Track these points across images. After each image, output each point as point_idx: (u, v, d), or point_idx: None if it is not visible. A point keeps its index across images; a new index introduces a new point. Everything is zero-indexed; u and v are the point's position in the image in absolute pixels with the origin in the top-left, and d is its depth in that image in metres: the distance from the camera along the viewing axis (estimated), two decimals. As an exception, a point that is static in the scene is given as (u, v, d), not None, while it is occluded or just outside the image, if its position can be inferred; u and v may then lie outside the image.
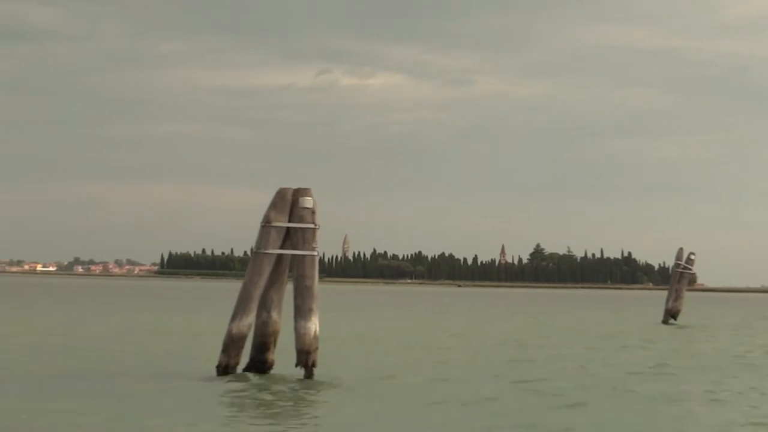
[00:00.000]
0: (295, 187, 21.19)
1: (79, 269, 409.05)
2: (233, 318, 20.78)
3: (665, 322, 51.03)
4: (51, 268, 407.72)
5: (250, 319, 20.75)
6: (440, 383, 21.15)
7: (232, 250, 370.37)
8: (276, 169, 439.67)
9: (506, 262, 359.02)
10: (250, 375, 20.96)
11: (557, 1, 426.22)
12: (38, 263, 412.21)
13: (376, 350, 29.97)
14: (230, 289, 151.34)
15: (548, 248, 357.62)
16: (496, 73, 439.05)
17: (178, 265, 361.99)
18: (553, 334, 40.60)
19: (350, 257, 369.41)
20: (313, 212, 21.01)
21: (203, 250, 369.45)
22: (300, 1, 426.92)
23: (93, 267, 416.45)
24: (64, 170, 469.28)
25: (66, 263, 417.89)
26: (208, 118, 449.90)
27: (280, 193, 21.07)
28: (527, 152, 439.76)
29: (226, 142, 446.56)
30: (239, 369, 21.00)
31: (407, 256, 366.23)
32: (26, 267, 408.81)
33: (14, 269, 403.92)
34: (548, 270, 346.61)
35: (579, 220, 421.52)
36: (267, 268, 20.85)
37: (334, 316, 48.90)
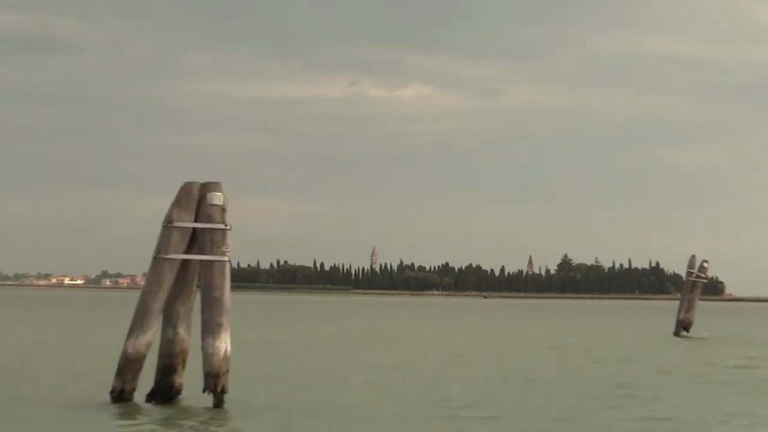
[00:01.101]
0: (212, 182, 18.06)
1: (107, 282, 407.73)
2: (129, 335, 17.74)
3: (677, 334, 47.63)
4: (78, 282, 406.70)
5: (148, 337, 17.69)
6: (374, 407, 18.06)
7: (258, 262, 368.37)
8: (305, 180, 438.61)
9: (533, 273, 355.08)
10: (151, 403, 17.93)
11: (584, 9, 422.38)
12: (66, 276, 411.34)
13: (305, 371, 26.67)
14: (249, 301, 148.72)
15: (576, 259, 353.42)
16: (525, 83, 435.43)
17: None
18: (547, 348, 37.35)
19: (377, 269, 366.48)
20: (223, 210, 17.89)
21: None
22: (329, 12, 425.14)
23: (121, 280, 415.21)
24: (91, 182, 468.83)
25: (93, 276, 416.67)
26: (236, 129, 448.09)
27: (185, 188, 17.98)
28: (555, 162, 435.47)
29: (254, 153, 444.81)
30: (139, 395, 17.96)
31: (434, 267, 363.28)
32: (54, 280, 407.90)
33: (41, 282, 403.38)
34: (576, 281, 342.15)
35: (607, 230, 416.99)
36: (168, 276, 17.77)
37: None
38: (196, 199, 17.85)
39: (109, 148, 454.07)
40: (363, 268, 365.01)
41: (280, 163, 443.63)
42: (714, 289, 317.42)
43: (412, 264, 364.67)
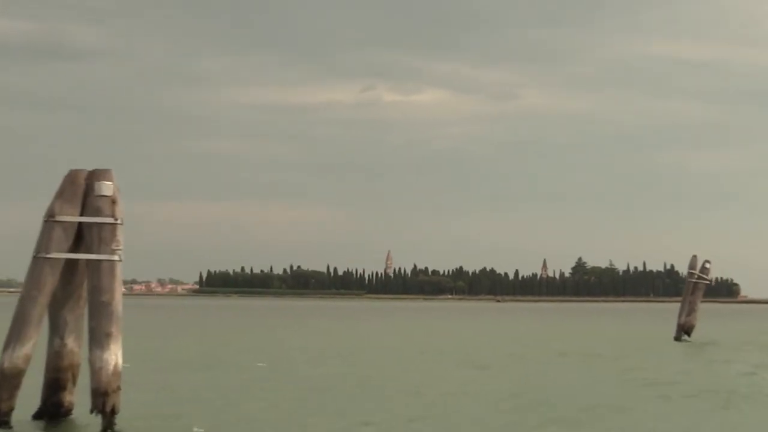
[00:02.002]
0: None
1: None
2: (5, 347, 15.31)
3: (677, 338, 45.00)
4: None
5: (27, 349, 15.26)
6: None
7: (271, 267, 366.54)
8: (318, 185, 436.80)
9: (548, 276, 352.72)
10: (36, 423, 15.56)
11: (600, 13, 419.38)
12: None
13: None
14: (255, 307, 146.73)
15: (590, 262, 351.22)
16: (540, 87, 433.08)
17: (216, 284, 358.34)
18: (536, 348, 34.85)
19: (391, 274, 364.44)
20: (113, 202, 15.45)
21: (242, 268, 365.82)
22: (343, 18, 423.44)
23: (136, 287, 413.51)
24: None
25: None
26: (250, 135, 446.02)
27: (69, 177, 15.55)
28: (569, 165, 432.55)
29: (268, 159, 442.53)
30: (23, 414, 15.57)
31: (448, 271, 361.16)
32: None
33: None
34: (590, 284, 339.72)
35: (621, 233, 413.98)
36: (50, 279, 15.36)
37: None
38: (82, 189, 15.45)
39: (121, 154, 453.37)
40: (376, 273, 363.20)
41: (294, 169, 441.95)
42: (729, 291, 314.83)
43: (426, 268, 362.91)
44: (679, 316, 45.59)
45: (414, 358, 32.93)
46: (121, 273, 15.50)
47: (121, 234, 15.46)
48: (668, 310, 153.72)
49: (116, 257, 15.36)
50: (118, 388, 15.19)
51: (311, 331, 57.58)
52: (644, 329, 64.64)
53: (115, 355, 15.13)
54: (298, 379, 24.40)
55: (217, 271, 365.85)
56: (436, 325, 73.68)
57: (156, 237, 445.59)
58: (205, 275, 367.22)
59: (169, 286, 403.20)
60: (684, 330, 45.12)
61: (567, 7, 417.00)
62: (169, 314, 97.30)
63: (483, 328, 66.90)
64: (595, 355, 34.97)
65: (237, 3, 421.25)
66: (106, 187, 15.38)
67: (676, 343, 43.93)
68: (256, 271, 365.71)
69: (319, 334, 53.37)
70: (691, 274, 45.57)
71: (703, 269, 45.48)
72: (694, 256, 45.76)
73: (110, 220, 15.37)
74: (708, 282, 46.26)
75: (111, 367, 15.08)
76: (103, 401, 15.06)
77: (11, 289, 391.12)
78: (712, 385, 23.96)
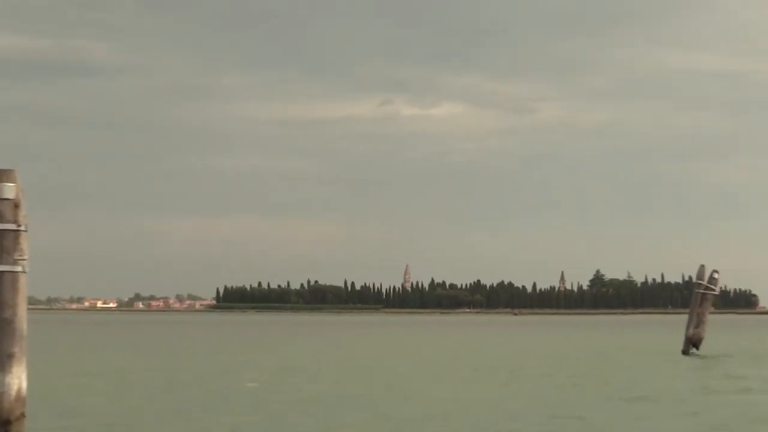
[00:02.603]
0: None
1: (140, 305, 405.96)
2: None
3: (685, 352, 43.02)
4: (111, 305, 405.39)
5: None
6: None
7: (288, 282, 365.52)
8: (336, 199, 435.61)
9: (566, 289, 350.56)
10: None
11: (619, 26, 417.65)
12: (98, 300, 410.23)
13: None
14: (267, 321, 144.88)
15: (608, 274, 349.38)
16: (558, 100, 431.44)
17: (234, 299, 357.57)
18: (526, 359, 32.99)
19: (408, 288, 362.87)
20: (16, 206, 13.72)
21: (259, 284, 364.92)
22: (360, 32, 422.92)
23: (154, 303, 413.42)
24: (123, 205, 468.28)
25: (126, 299, 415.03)
26: (268, 151, 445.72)
27: (-33, 178, 13.85)
28: (588, 178, 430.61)
29: (287, 174, 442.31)
30: None
31: (466, 285, 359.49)
32: (86, 304, 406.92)
33: (74, 306, 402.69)
34: (608, 296, 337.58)
35: (639, 245, 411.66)
36: (-57, 294, 13.64)
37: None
38: (-19, 191, 13.74)
39: (140, 171, 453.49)
40: (394, 287, 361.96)
41: (312, 184, 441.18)
42: (747, 302, 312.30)
43: (444, 282, 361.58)
44: (687, 328, 43.64)
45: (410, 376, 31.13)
46: (25, 286, 13.77)
47: (25, 242, 13.75)
48: (685, 322, 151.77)
49: (19, 268, 13.63)
50: (22, 416, 13.47)
51: (320, 346, 55.82)
52: (654, 341, 62.65)
53: (18, 379, 13.39)
54: (288, 399, 22.35)
55: (234, 287, 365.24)
56: (431, 339, 71.77)
57: (175, 253, 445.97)
58: (222, 291, 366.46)
59: (188, 302, 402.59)
60: (692, 343, 43.16)
61: (585, 19, 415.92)
62: (170, 330, 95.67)
63: (483, 341, 65.07)
64: (591, 369, 33.10)
65: (255, 18, 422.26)
66: (8, 189, 13.66)
67: (683, 356, 41.99)
68: (273, 286, 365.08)
69: (328, 349, 51.61)
70: (698, 285, 43.65)
71: (711, 279, 43.51)
72: (702, 266, 43.88)
73: (12, 226, 13.65)
74: (716, 293, 44.28)
75: (14, 392, 13.35)
76: (4, 430, 13.36)
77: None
78: (707, 403, 22.10)
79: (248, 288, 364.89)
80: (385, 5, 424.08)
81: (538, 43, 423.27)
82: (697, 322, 43.33)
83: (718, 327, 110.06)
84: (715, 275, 43.73)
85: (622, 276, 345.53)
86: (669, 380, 28.64)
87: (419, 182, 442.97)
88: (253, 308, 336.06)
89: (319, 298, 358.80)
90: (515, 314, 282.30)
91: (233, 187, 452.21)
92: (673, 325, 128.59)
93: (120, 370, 32.11)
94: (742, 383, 27.24)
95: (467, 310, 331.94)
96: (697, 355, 42.38)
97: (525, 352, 48.80)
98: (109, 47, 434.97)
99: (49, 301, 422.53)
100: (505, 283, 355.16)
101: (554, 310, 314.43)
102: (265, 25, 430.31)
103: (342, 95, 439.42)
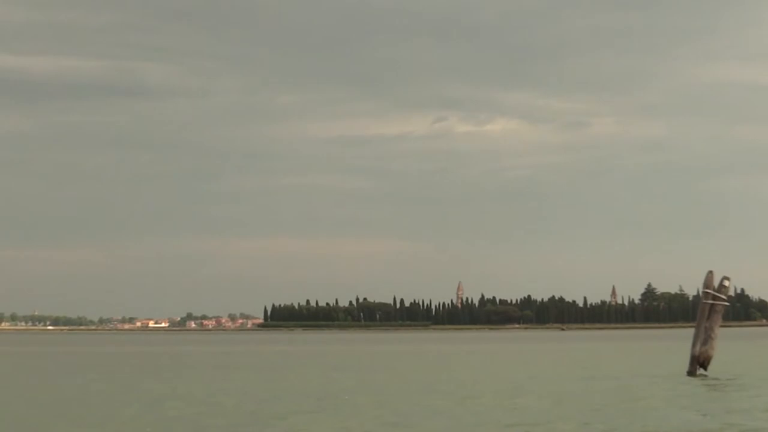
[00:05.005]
0: None
1: (192, 325, 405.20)
2: None
3: (691, 373, 38.04)
4: (163, 324, 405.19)
5: None
6: None
7: (336, 300, 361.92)
8: (392, 217, 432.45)
9: (616, 303, 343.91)
10: None
11: (670, 41, 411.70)
12: (150, 320, 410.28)
13: None
14: (310, 339, 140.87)
15: (660, 287, 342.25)
16: (612, 115, 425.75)
17: (282, 317, 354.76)
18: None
19: (459, 304, 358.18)
20: None
21: (307, 301, 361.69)
22: (413, 50, 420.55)
23: (206, 322, 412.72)
24: (175, 226, 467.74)
25: (178, 319, 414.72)
26: (323, 169, 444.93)
27: None
28: (639, 192, 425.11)
29: (342, 192, 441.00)
30: None
31: (516, 300, 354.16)
32: (138, 324, 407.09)
33: (127, 326, 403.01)
34: (659, 310, 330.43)
35: (692, 257, 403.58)
36: None
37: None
38: None
39: (193, 192, 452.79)
40: (443, 303, 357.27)
41: (366, 202, 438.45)
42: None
43: (494, 298, 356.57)
44: (693, 345, 38.36)
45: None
46: None
47: None
48: (735, 335, 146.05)
49: None
50: None
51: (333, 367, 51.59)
52: (672, 357, 57.62)
53: None
54: None
55: (282, 305, 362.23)
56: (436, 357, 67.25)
57: (227, 272, 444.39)
58: (269, 309, 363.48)
59: (240, 320, 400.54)
60: (699, 362, 38.12)
61: (637, 35, 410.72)
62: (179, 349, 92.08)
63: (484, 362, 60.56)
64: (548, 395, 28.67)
65: (309, 39, 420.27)
66: None
67: (689, 378, 37.00)
68: (322, 304, 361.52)
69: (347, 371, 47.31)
70: (706, 294, 38.58)
71: (721, 287, 38.57)
72: (710, 272, 38.83)
73: None
74: (727, 303, 39.34)
75: None
76: None
77: (81, 327, 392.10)
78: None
79: (296, 306, 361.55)
80: (437, 23, 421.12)
81: (590, 58, 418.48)
82: (704, 338, 38.37)
83: (737, 341, 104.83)
84: (726, 283, 38.87)
85: (674, 290, 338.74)
86: (647, 414, 23.90)
87: (471, 198, 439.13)
88: (300, 326, 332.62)
89: (367, 315, 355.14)
90: (563, 329, 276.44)
91: (285, 206, 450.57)
92: (725, 338, 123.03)
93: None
94: (747, 418, 21.98)
95: (516, 326, 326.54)
96: (704, 376, 37.52)
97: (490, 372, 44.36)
98: (164, 69, 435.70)
99: (101, 321, 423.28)
100: (556, 298, 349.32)
101: (604, 325, 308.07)
102: (318, 44, 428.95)
103: (396, 113, 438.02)
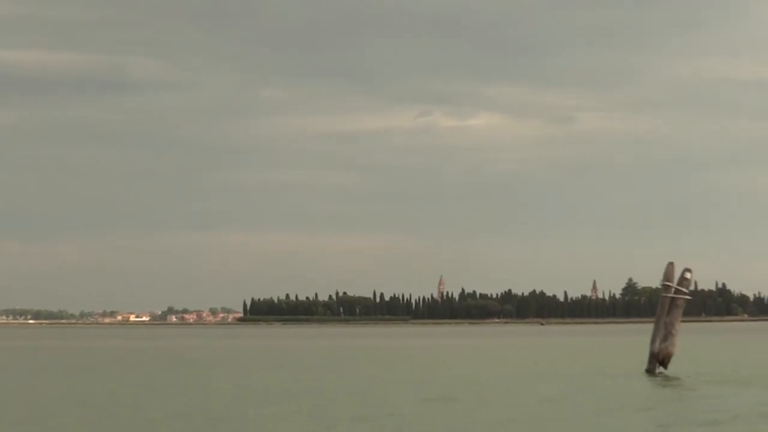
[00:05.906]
0: None
1: (173, 319, 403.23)
2: None
3: (650, 371, 35.45)
4: (144, 318, 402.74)
5: None
6: None
7: (316, 294, 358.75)
8: (374, 212, 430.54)
9: (597, 297, 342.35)
10: None
11: (658, 35, 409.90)
12: (132, 313, 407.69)
13: None
14: (263, 336, 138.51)
15: (641, 282, 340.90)
16: (598, 110, 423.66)
17: (261, 311, 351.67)
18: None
19: (438, 299, 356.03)
20: None
21: (287, 296, 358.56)
22: (396, 45, 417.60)
23: (186, 316, 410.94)
24: (160, 220, 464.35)
25: (159, 313, 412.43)
26: (308, 164, 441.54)
27: None
28: (624, 187, 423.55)
29: (323, 187, 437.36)
30: None
31: (496, 294, 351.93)
32: (119, 318, 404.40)
33: (107, 320, 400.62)
34: (640, 305, 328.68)
35: (672, 252, 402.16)
36: None
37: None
38: None
39: (175, 187, 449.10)
40: (423, 298, 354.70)
41: (351, 197, 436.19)
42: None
43: (474, 292, 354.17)
44: (652, 342, 35.88)
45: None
46: None
47: None
48: (716, 330, 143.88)
49: None
50: None
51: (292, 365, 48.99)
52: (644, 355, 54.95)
53: None
54: None
55: (261, 299, 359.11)
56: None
57: (208, 266, 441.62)
58: (249, 303, 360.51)
59: (221, 314, 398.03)
60: (659, 360, 35.53)
61: (624, 29, 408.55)
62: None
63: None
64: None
65: (294, 33, 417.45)
66: None
67: (645, 377, 34.38)
68: (302, 298, 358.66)
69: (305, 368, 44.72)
70: (666, 288, 36.06)
71: (683, 280, 35.98)
72: (670, 264, 36.25)
73: None
74: (689, 297, 36.74)
75: None
76: None
77: (62, 321, 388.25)
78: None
79: (275, 300, 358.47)
80: (422, 18, 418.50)
81: (575, 53, 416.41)
82: (665, 335, 35.89)
83: (749, 333, 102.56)
84: (687, 275, 36.33)
85: (655, 284, 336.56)
86: (594, 420, 21.22)
87: (454, 193, 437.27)
88: (279, 320, 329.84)
89: (347, 309, 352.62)
90: (542, 324, 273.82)
91: (266, 201, 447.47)
92: (702, 332, 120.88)
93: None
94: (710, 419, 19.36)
95: (496, 320, 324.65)
96: (663, 375, 34.85)
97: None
98: (152, 64, 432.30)
99: (82, 315, 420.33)
100: (536, 292, 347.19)
101: (584, 320, 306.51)
102: (304, 39, 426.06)
103: (380, 108, 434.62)
